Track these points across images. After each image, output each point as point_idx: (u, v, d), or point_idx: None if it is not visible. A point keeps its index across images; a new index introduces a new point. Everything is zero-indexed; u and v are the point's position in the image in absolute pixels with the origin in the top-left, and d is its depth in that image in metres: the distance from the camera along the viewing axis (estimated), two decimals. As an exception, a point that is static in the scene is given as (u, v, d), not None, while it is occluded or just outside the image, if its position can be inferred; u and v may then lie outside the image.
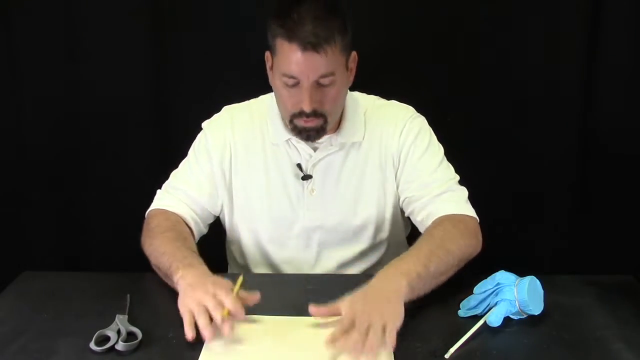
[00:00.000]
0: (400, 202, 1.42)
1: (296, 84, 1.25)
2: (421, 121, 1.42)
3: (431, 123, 1.46)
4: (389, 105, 1.45)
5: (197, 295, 1.10)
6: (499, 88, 1.87)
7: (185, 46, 1.83)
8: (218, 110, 1.47)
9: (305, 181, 1.38)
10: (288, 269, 1.43)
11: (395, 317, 1.05)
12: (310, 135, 1.31)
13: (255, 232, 1.43)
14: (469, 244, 1.28)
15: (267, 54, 1.31)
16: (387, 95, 1.50)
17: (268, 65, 1.32)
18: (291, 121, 1.30)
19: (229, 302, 1.08)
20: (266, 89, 1.45)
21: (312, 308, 1.10)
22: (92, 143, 1.90)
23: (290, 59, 1.22)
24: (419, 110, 1.47)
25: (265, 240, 1.42)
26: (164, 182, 1.48)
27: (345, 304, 1.07)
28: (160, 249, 1.26)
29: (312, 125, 1.29)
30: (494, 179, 1.86)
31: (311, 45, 1.19)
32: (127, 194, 1.90)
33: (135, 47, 1.83)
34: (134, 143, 1.90)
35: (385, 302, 1.07)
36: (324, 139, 1.37)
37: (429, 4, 1.80)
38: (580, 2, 1.80)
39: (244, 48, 1.80)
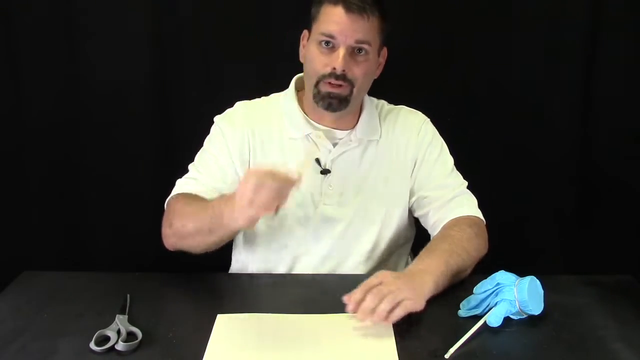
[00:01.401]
0: (412, 202, 1.44)
1: (332, 48, 1.29)
2: (431, 126, 1.47)
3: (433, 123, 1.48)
4: (402, 109, 1.49)
5: (240, 201, 1.08)
6: (499, 88, 1.87)
7: (186, 46, 1.83)
8: (218, 108, 1.47)
9: (323, 175, 1.39)
10: (298, 264, 1.43)
11: (415, 301, 1.12)
12: (332, 103, 1.32)
13: (269, 226, 1.42)
14: (482, 244, 1.36)
15: (305, 32, 1.37)
16: (388, 96, 1.50)
17: (302, 43, 1.37)
18: (317, 85, 1.32)
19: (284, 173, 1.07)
20: (271, 89, 1.47)
21: (347, 301, 1.11)
22: (92, 142, 1.89)
23: (332, 19, 1.28)
24: (420, 110, 1.49)
25: (279, 234, 1.42)
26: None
27: (377, 274, 1.15)
28: (195, 214, 1.26)
29: (337, 91, 1.31)
30: (494, 179, 1.86)
31: (356, 7, 1.27)
32: (128, 194, 1.91)
33: (136, 46, 1.82)
34: (135, 143, 1.89)
35: (411, 286, 1.14)
36: (343, 134, 1.39)
37: (429, 4, 1.81)
38: (580, 2, 1.80)
39: (247, 47, 1.80)
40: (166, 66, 1.84)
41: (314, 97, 1.33)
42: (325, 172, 1.39)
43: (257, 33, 1.79)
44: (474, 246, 1.32)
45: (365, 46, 1.30)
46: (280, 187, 1.06)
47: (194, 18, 1.81)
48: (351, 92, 1.31)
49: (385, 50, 1.39)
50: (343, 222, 1.40)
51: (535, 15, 1.81)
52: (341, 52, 1.28)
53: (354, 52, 1.30)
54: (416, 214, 1.46)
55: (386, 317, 1.08)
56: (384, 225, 1.42)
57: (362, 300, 1.09)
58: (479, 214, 1.41)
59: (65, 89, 1.85)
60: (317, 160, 1.39)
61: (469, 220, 1.38)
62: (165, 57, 1.84)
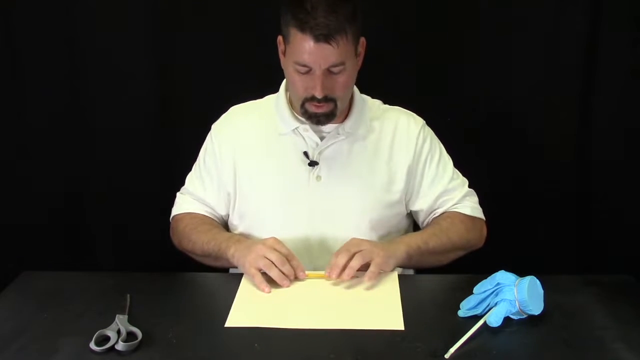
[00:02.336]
0: (419, 207, 1.46)
1: (308, 71, 1.28)
2: (428, 129, 1.48)
3: (430, 123, 1.48)
4: (398, 110, 1.49)
5: (260, 250, 1.26)
6: (499, 88, 1.87)
7: (187, 46, 1.83)
8: (219, 112, 1.49)
9: (311, 167, 1.40)
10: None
11: (385, 260, 1.28)
12: (320, 120, 1.35)
13: (261, 221, 1.44)
14: (472, 237, 1.45)
15: (280, 38, 1.33)
16: (387, 95, 1.50)
17: (280, 49, 1.34)
18: (302, 105, 1.34)
19: (295, 260, 1.27)
20: (270, 89, 1.47)
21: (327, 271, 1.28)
22: (93, 142, 1.89)
23: (302, 49, 1.25)
24: (420, 110, 1.48)
25: (270, 228, 1.42)
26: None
27: (350, 240, 1.30)
28: (203, 239, 1.39)
29: (322, 110, 1.33)
30: (494, 179, 1.86)
31: (323, 36, 1.23)
32: (128, 194, 1.91)
33: (138, 47, 1.83)
34: (136, 143, 1.89)
35: (381, 248, 1.30)
36: (331, 127, 1.40)
37: (428, 3, 1.80)
38: (580, 2, 1.80)
39: (247, 47, 1.80)
40: (168, 70, 1.85)
41: (303, 115, 1.36)
42: (312, 164, 1.40)
43: (258, 34, 1.79)
44: (459, 237, 1.41)
45: (339, 67, 1.28)
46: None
47: (197, 19, 1.81)
48: (335, 105, 1.33)
49: (363, 41, 1.34)
50: (334, 214, 1.41)
51: (536, 14, 1.81)
52: (317, 79, 1.27)
53: (330, 70, 1.28)
54: (426, 222, 1.49)
55: (354, 275, 1.24)
56: (375, 219, 1.43)
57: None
58: (478, 214, 1.46)
59: (66, 90, 1.86)
60: (305, 153, 1.40)
61: (463, 216, 1.44)
62: (168, 61, 1.84)
